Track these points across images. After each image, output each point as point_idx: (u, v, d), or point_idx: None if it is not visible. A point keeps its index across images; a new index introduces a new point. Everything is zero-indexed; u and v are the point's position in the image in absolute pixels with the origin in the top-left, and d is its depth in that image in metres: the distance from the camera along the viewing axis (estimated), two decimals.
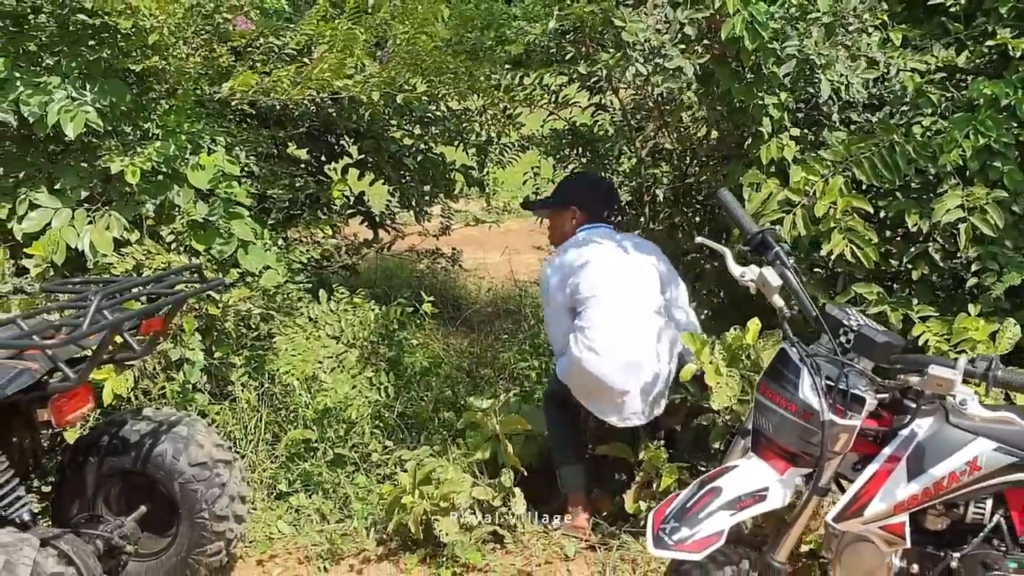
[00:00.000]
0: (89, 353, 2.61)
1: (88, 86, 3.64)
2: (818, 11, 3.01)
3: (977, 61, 3.41)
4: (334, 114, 5.17)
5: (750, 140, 3.39)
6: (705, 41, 3.21)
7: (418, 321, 4.93)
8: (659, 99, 4.08)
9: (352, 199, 5.96)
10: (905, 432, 2.05)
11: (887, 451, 2.05)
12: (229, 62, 4.18)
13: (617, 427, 3.36)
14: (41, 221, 3.59)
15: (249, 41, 4.41)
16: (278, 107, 4.78)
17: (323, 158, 5.87)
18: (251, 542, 3.41)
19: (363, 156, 5.77)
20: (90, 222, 3.62)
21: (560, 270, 3.46)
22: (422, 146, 5.90)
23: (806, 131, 3.45)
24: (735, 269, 2.17)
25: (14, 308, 3.35)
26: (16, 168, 3.73)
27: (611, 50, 3.57)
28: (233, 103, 4.31)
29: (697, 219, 4.30)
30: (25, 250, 3.51)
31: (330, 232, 5.42)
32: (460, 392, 4.44)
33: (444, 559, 3.22)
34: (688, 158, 4.31)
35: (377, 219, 6.16)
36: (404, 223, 6.53)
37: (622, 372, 3.22)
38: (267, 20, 4.45)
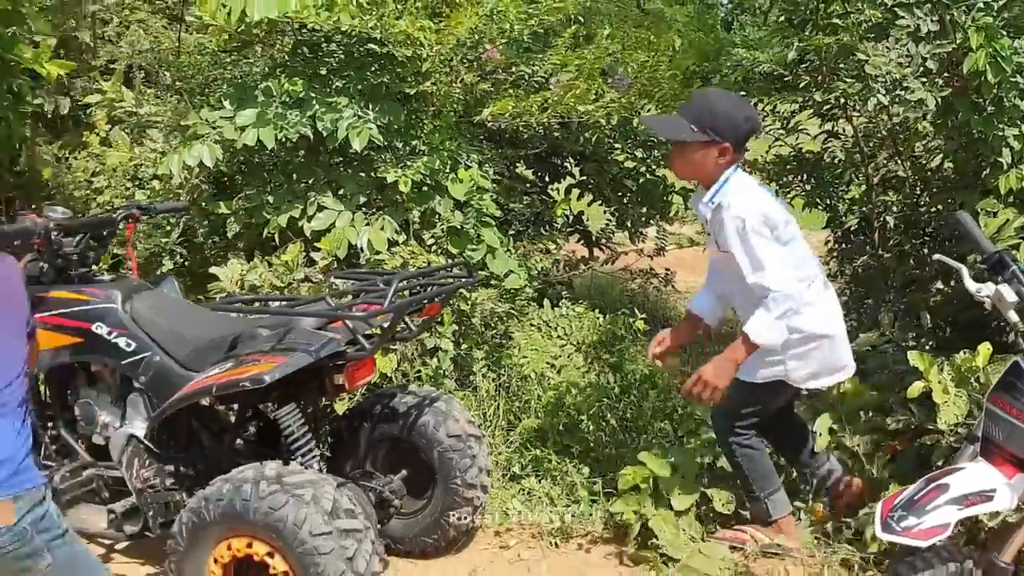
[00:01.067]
0: (377, 331, 3.09)
1: (370, 106, 4.20)
2: None
3: None
4: (560, 137, 5.52)
5: (988, 170, 3.46)
6: (946, 74, 3.32)
7: (631, 336, 5.21)
8: (893, 128, 4.19)
9: (571, 218, 6.31)
10: None
11: None
12: (483, 88, 4.66)
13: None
14: (327, 221, 4.17)
15: (497, 69, 4.88)
16: (511, 130, 5.16)
17: (546, 178, 6.28)
18: (489, 515, 3.79)
19: (584, 177, 6.12)
20: (367, 224, 4.16)
21: (758, 211, 3.02)
22: (643, 169, 6.18)
23: None
24: (971, 285, 2.32)
25: (303, 294, 3.93)
26: (306, 175, 4.33)
27: (847, 80, 3.74)
28: (486, 125, 4.78)
29: (926, 248, 4.35)
30: (315, 244, 4.08)
31: (553, 247, 5.81)
32: (676, 402, 4.67)
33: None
34: (920, 187, 4.37)
35: (593, 238, 6.48)
36: (618, 243, 6.82)
37: (837, 313, 3.27)
38: (510, 50, 4.89)
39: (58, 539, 2.14)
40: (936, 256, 2.50)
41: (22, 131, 4.72)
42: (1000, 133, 3.30)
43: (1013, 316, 2.26)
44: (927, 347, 3.90)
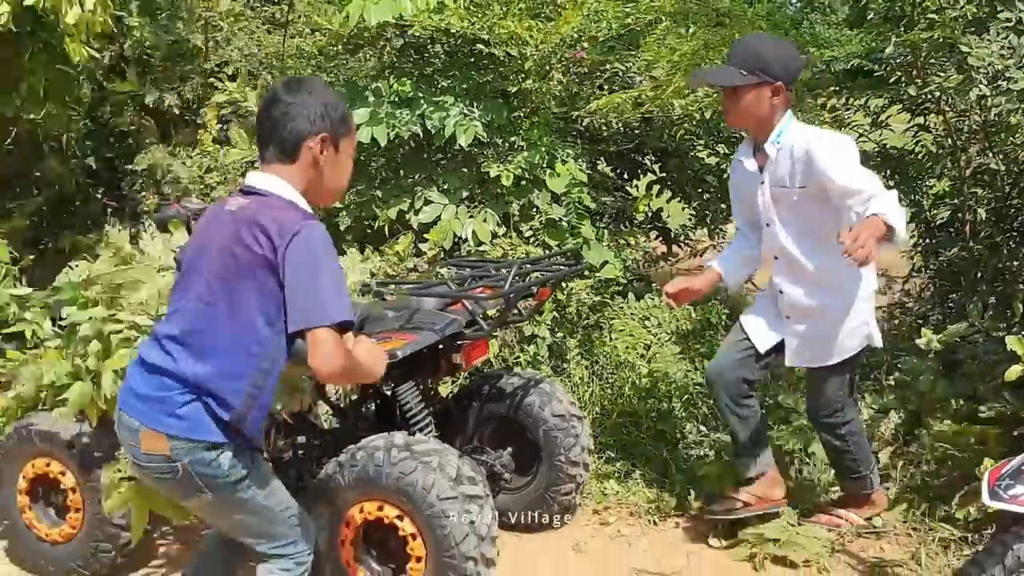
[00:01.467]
0: (492, 314, 3.28)
1: (475, 104, 4.41)
2: None
3: None
4: (641, 134, 5.62)
5: None
6: None
7: (723, 326, 5.31)
8: (986, 121, 4.24)
9: (651, 214, 6.41)
10: None
11: None
12: (576, 87, 4.83)
13: None
14: (433, 214, 4.40)
15: (587, 68, 5.04)
16: (595, 126, 5.29)
17: (626, 175, 6.38)
18: (588, 494, 3.96)
19: (664, 174, 6.19)
20: (471, 216, 4.37)
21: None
22: (724, 165, 6.25)
23: None
24: None
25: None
26: (413, 171, 4.57)
27: (941, 74, 3.82)
28: (578, 122, 4.95)
29: (1016, 240, 4.38)
30: (423, 235, 4.30)
31: (636, 242, 5.92)
32: (764, 393, 4.78)
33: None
34: (1011, 180, 4.41)
35: (672, 234, 6.57)
36: (697, 239, 6.88)
37: None
38: (595, 50, 5.03)
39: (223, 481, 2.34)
40: None
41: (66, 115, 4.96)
42: None
43: None
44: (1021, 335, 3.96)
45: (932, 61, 4.00)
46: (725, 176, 6.23)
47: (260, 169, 2.38)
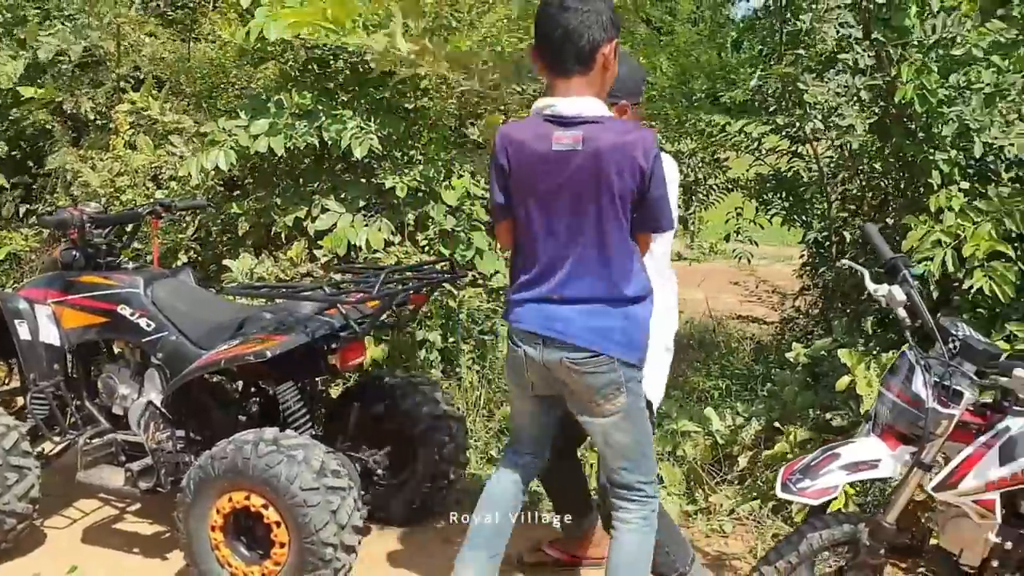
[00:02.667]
0: (368, 320, 3.50)
1: (372, 119, 4.62)
2: (982, 82, 3.47)
3: None
4: None
5: (923, 190, 3.85)
6: (882, 104, 3.72)
7: None
8: (850, 151, 4.58)
9: None
10: (1000, 425, 2.50)
11: (983, 439, 2.50)
12: (476, 105, 5.08)
13: None
14: (329, 222, 4.59)
15: (495, 87, 5.28)
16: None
17: None
18: (467, 493, 4.17)
19: None
20: (366, 225, 4.58)
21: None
22: None
23: (976, 185, 3.86)
24: (871, 286, 2.70)
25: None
26: (312, 180, 4.76)
27: (792, 107, 4.14)
28: (477, 139, 5.19)
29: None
30: (318, 242, 4.50)
31: None
32: None
33: None
34: (874, 204, 4.76)
35: None
36: None
37: None
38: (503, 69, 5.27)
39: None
40: (843, 261, 2.89)
41: None
42: (931, 157, 3.69)
43: (902, 313, 2.64)
44: (874, 351, 4.29)
45: (789, 94, 4.32)
46: None
47: (562, 90, 2.39)
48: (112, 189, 5.14)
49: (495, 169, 2.56)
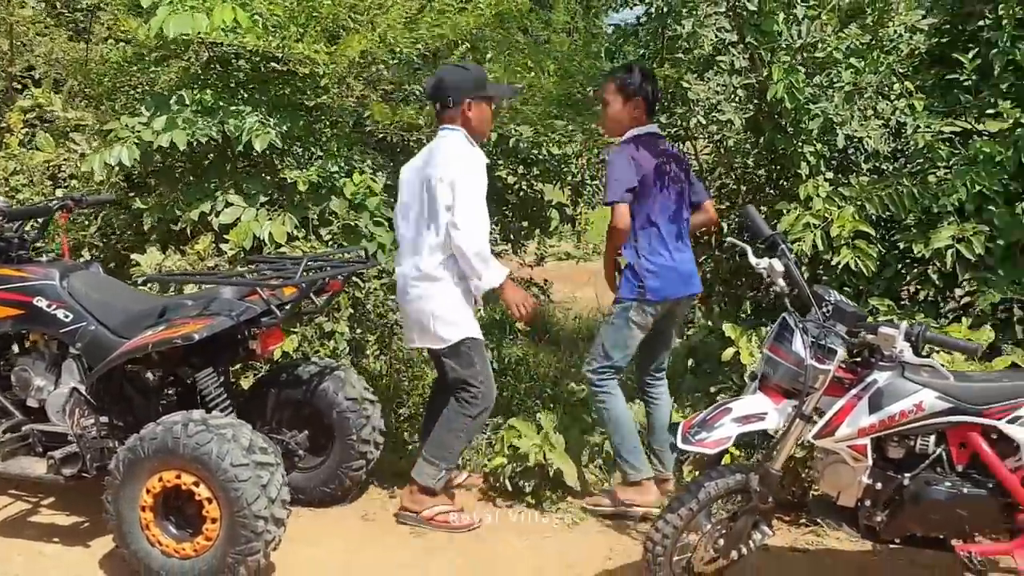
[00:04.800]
0: (288, 306, 3.64)
1: (273, 115, 4.72)
2: (843, 81, 3.90)
3: (980, 126, 4.22)
4: None
5: (792, 179, 4.27)
6: (755, 101, 4.11)
7: (511, 336, 5.88)
8: (725, 146, 4.98)
9: None
10: (868, 379, 2.88)
11: (854, 391, 2.88)
12: (378, 103, 5.23)
13: None
14: (233, 215, 4.65)
15: (394, 86, 5.46)
16: (400, 142, 5.69)
17: None
18: (379, 472, 4.34)
19: None
20: (270, 219, 4.67)
21: None
22: (523, 184, 6.81)
23: (840, 175, 4.30)
24: (753, 260, 3.05)
25: None
26: (216, 175, 4.82)
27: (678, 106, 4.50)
28: (378, 135, 5.35)
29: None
30: (224, 236, 4.57)
31: None
32: (547, 386, 5.36)
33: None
34: (750, 197, 5.18)
35: None
36: (500, 254, 7.41)
37: None
38: (402, 70, 5.46)
39: None
40: (727, 239, 3.23)
41: None
42: (799, 150, 4.10)
43: (781, 282, 2.99)
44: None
45: (678, 95, 4.69)
46: (523, 195, 6.81)
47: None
48: (7, 188, 5.07)
49: None
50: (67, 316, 3.55)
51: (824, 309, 2.92)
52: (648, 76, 3.88)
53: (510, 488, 4.13)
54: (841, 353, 2.88)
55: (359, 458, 3.99)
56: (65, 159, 5.03)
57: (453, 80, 3.83)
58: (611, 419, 3.99)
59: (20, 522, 3.87)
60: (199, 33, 4.42)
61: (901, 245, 4.10)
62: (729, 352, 3.93)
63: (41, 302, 3.56)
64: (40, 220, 3.96)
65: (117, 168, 4.58)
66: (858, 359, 2.98)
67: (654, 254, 3.82)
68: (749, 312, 4.74)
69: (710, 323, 4.69)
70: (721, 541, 3.07)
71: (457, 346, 3.78)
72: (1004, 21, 4.01)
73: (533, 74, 5.78)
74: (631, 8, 4.79)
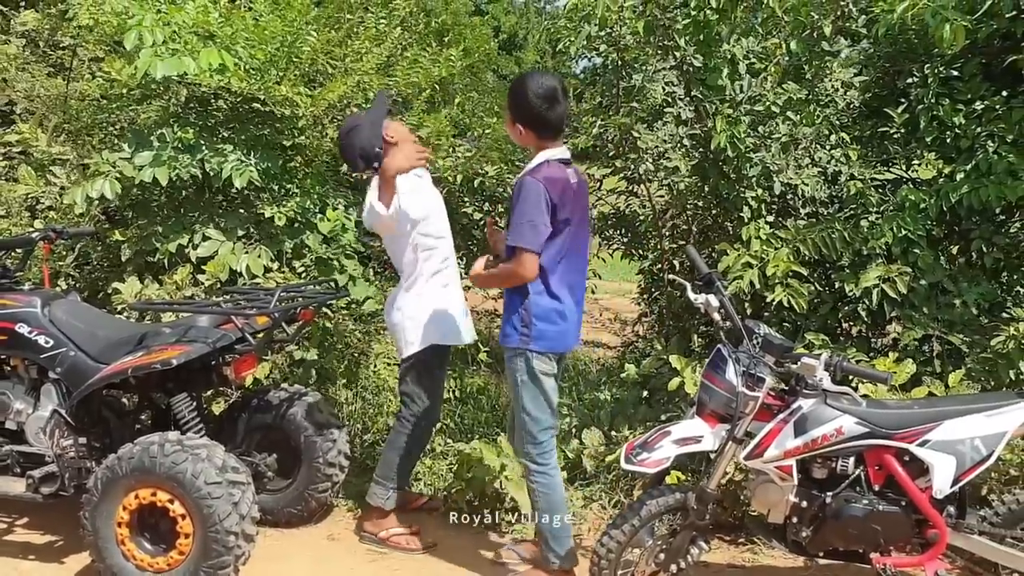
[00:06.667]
0: (261, 334, 3.86)
1: (252, 153, 4.97)
2: (780, 133, 4.23)
3: (907, 175, 4.58)
4: None
5: (736, 222, 4.58)
6: (701, 149, 4.42)
7: (474, 367, 6.13)
8: (677, 190, 5.29)
9: None
10: (794, 405, 3.15)
11: (781, 416, 3.15)
12: None
13: None
14: (211, 248, 4.88)
15: None
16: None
17: None
18: (346, 499, 4.54)
19: None
20: (246, 252, 4.90)
21: None
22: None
23: (780, 219, 4.62)
24: (691, 296, 3.33)
25: None
26: (194, 210, 5.05)
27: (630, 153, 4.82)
28: (350, 175, 5.61)
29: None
30: (201, 268, 4.79)
31: None
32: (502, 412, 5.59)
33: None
34: (701, 237, 5.49)
35: None
36: (467, 288, 7.65)
37: None
38: None
39: None
40: (669, 276, 3.51)
41: None
42: (741, 195, 4.41)
43: (716, 316, 3.27)
44: (699, 359, 4.95)
45: (625, 141, 5.00)
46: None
47: (555, 145, 3.45)
48: None
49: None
50: (48, 342, 3.75)
51: (755, 341, 3.20)
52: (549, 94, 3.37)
53: (467, 511, 4.35)
54: (769, 381, 3.16)
55: (325, 480, 4.19)
56: (43, 192, 5.23)
57: (360, 143, 3.93)
58: (549, 504, 3.62)
59: None
60: (184, 75, 4.67)
61: (836, 284, 4.42)
62: (675, 382, 4.20)
63: (23, 328, 3.76)
64: (22, 250, 4.16)
65: (97, 201, 4.79)
66: (786, 387, 3.26)
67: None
68: (700, 345, 5.03)
69: (658, 356, 4.97)
70: (662, 555, 3.32)
71: (410, 360, 4.03)
72: (930, 80, 4.38)
73: (498, 117, 6.09)
74: (589, 60, 5.10)
